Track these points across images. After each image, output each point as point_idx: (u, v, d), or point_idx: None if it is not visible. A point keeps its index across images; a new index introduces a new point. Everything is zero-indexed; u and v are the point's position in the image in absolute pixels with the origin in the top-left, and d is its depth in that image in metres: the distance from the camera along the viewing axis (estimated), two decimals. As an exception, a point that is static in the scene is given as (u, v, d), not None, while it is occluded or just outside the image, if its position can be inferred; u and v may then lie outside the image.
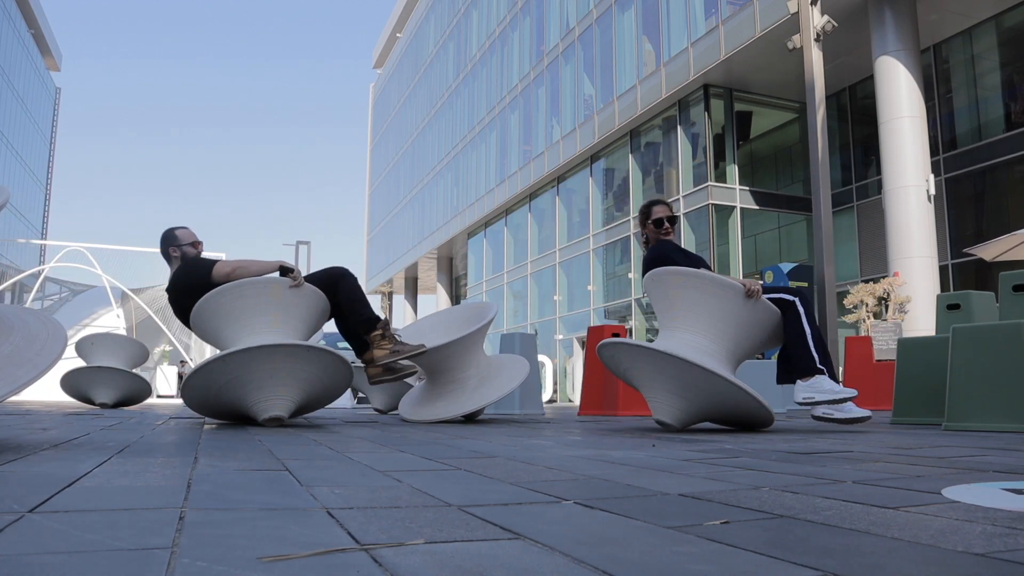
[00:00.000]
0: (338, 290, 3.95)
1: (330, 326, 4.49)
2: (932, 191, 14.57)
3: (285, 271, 3.83)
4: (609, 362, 3.66)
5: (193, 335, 5.06)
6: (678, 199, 20.74)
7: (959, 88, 17.27)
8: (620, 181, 24.12)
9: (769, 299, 3.46)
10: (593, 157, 25.22)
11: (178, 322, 4.12)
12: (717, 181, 19.83)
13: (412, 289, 46.53)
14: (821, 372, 3.40)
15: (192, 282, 3.80)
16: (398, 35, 48.24)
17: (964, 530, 0.93)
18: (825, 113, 12.07)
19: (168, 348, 23.95)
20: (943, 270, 16.07)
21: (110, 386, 7.97)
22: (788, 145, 21.58)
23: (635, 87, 22.04)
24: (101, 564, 0.73)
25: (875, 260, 17.79)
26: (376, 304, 51.28)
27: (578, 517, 1.03)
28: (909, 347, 4.48)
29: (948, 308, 4.44)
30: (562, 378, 22.05)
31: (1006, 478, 1.51)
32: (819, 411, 3.44)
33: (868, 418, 3.42)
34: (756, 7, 16.94)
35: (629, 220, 23.03)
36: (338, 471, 1.62)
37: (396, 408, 6.64)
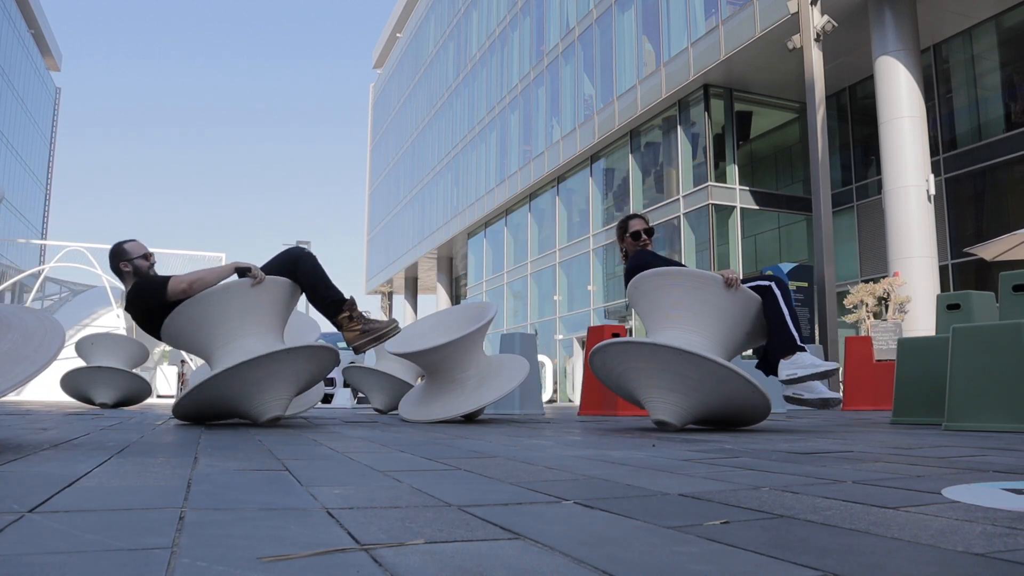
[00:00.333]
0: (297, 274, 3.85)
1: (327, 324, 4.49)
2: (932, 191, 14.57)
3: (242, 271, 3.71)
4: (601, 370, 3.64)
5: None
6: (678, 199, 20.74)
7: (959, 88, 17.27)
8: (620, 181, 24.11)
9: (748, 287, 3.54)
10: (593, 157, 25.22)
11: None
12: (717, 181, 19.83)
13: (412, 289, 46.53)
14: (802, 350, 3.47)
15: (147, 304, 3.66)
16: (398, 35, 48.24)
17: (964, 530, 0.93)
18: (825, 113, 12.08)
19: (168, 348, 23.96)
20: (943, 270, 16.07)
21: (110, 386, 7.97)
22: (788, 145, 21.58)
23: (635, 87, 22.04)
24: (101, 564, 0.73)
25: (875, 260, 17.79)
26: (376, 304, 51.28)
27: (578, 517, 1.03)
28: (909, 347, 4.48)
29: (948, 308, 4.44)
30: (562, 378, 22.05)
31: (1006, 478, 1.51)
32: (790, 391, 3.46)
33: (838, 400, 3.44)
34: (756, 7, 16.94)
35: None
36: (338, 471, 1.62)
37: (396, 408, 6.64)
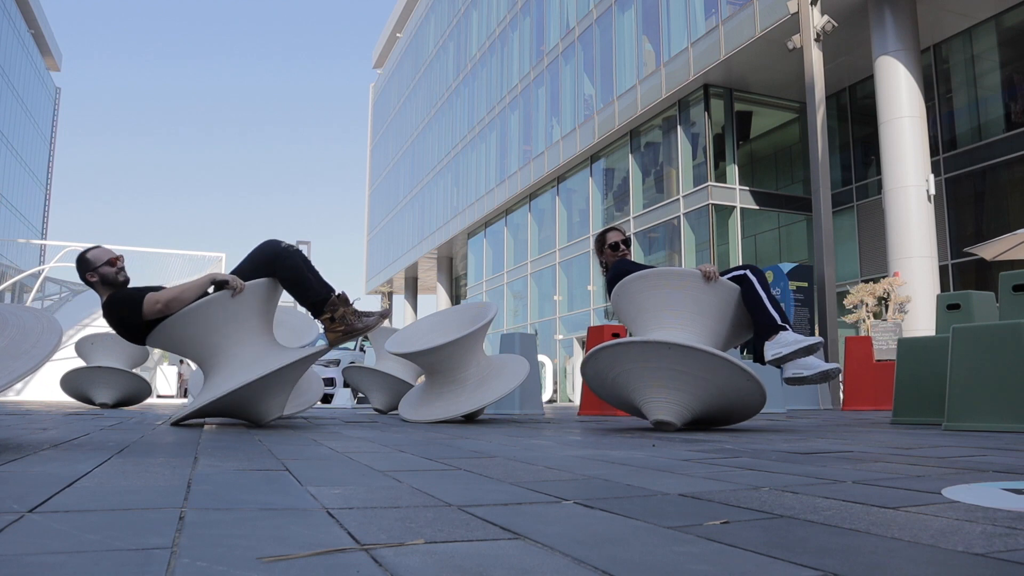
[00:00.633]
0: (276, 275, 3.64)
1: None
2: (932, 191, 14.57)
3: (220, 284, 3.51)
4: (595, 379, 3.64)
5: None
6: (678, 199, 20.75)
7: (959, 88, 17.27)
8: (620, 181, 24.12)
9: (726, 279, 3.59)
10: (593, 157, 25.22)
11: None
12: (717, 181, 19.83)
13: (412, 289, 46.52)
14: (783, 328, 3.49)
15: (122, 319, 3.52)
16: (398, 35, 48.24)
17: (964, 530, 0.93)
18: (825, 113, 12.08)
19: (168, 348, 23.90)
20: (943, 270, 16.07)
21: (110, 386, 7.97)
22: (788, 145, 21.58)
23: (635, 87, 22.04)
24: (101, 564, 0.73)
25: (875, 260, 17.80)
26: (376, 304, 51.25)
27: (578, 517, 1.03)
28: (909, 347, 4.48)
29: (948, 308, 4.44)
30: (562, 378, 22.04)
31: (1006, 478, 1.51)
32: (789, 373, 3.48)
33: (837, 369, 3.45)
34: (756, 7, 16.94)
35: (630, 220, 23.03)
36: (338, 471, 1.62)
37: (396, 408, 6.64)
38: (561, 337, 26.67)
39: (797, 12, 11.91)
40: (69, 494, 1.20)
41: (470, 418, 4.67)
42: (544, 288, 28.76)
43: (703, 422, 3.59)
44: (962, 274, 16.25)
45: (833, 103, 19.63)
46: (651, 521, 1.00)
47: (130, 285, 3.66)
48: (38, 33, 47.60)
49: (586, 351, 5.23)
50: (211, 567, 0.72)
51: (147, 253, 20.31)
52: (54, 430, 3.08)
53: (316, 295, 3.62)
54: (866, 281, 16.08)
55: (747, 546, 0.83)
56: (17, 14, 43.24)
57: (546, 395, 14.65)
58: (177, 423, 3.71)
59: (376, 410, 7.17)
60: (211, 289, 3.58)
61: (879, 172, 15.97)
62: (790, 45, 12.08)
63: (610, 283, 3.85)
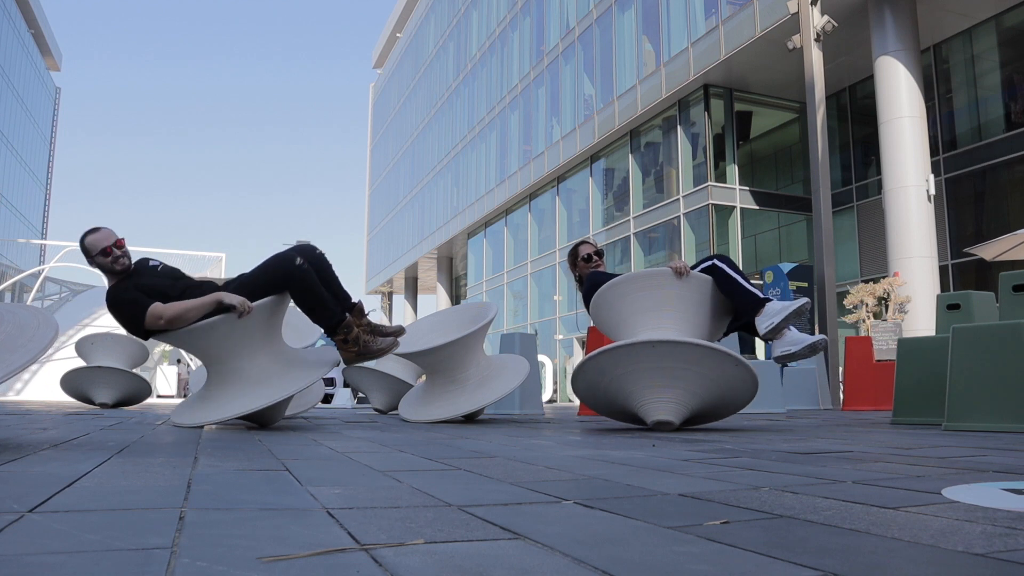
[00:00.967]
0: (289, 294, 3.47)
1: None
2: (932, 191, 14.57)
3: (227, 308, 3.32)
4: (587, 392, 3.63)
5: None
6: (678, 199, 20.75)
7: (959, 88, 17.27)
8: (620, 181, 24.12)
9: (697, 272, 3.64)
10: (593, 157, 25.22)
11: None
12: (717, 181, 19.83)
13: (412, 289, 46.52)
14: (767, 300, 3.54)
15: (125, 321, 3.40)
16: (398, 35, 48.23)
17: (964, 530, 0.93)
18: (825, 113, 12.08)
19: (168, 348, 23.95)
20: (943, 270, 16.07)
21: (110, 386, 7.98)
22: (788, 145, 21.58)
23: (635, 87, 22.04)
24: (101, 564, 0.73)
25: (875, 260, 17.79)
26: (376, 304, 51.25)
27: (578, 517, 1.03)
28: (909, 347, 4.48)
29: (948, 308, 4.44)
30: (562, 378, 22.04)
31: (1006, 478, 1.51)
32: (778, 351, 3.51)
33: (824, 340, 3.48)
34: (756, 7, 16.94)
35: (629, 220, 23.03)
36: (338, 471, 1.62)
37: (396, 408, 6.64)
38: (561, 337, 26.67)
39: (797, 12, 11.91)
40: (69, 494, 1.20)
41: (470, 418, 4.67)
42: (544, 288, 28.76)
43: (701, 418, 3.59)
44: (962, 274, 16.25)
45: (833, 103, 19.62)
46: (651, 521, 1.00)
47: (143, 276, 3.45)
48: (38, 33, 47.60)
49: (586, 351, 5.23)
50: (211, 567, 0.72)
51: (148, 253, 20.32)
52: (54, 430, 3.08)
53: (330, 318, 3.44)
54: (866, 281, 16.08)
55: (747, 546, 0.83)
56: (17, 14, 43.23)
57: (546, 395, 14.65)
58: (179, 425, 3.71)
59: (376, 410, 7.18)
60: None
61: (879, 172, 15.97)
62: (790, 45, 12.08)
63: (586, 296, 3.89)
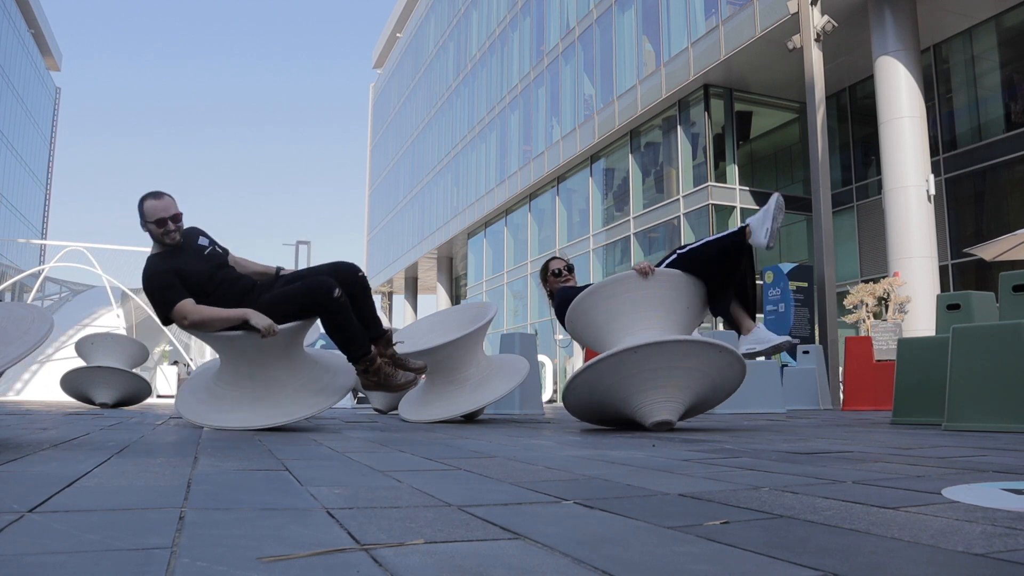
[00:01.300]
0: (322, 322, 3.41)
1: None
2: (932, 191, 14.57)
3: (252, 327, 3.25)
4: (580, 410, 3.62)
5: (193, 336, 4.89)
6: (678, 199, 20.75)
7: (959, 88, 17.27)
8: (620, 181, 24.11)
9: (663, 268, 3.66)
10: (593, 157, 25.21)
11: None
12: (717, 181, 19.83)
13: (412, 289, 46.52)
14: (745, 226, 3.56)
15: (154, 303, 3.35)
16: (398, 35, 48.23)
17: (964, 530, 0.93)
18: (825, 113, 12.07)
19: (168, 348, 23.96)
20: (943, 270, 16.06)
21: (110, 386, 7.98)
22: (788, 145, 21.58)
23: (635, 87, 22.04)
24: (101, 564, 0.73)
25: (875, 260, 17.79)
26: (376, 303, 51.16)
27: (578, 517, 1.03)
28: (909, 347, 4.48)
29: (948, 308, 4.44)
30: (562, 378, 22.05)
31: (1006, 478, 1.51)
32: (744, 348, 3.55)
33: (788, 342, 3.53)
34: (756, 7, 16.94)
35: (629, 220, 23.03)
36: (338, 471, 1.62)
37: (396, 408, 6.64)
38: (561, 337, 26.66)
39: (797, 12, 11.91)
40: (69, 494, 1.20)
41: (470, 418, 4.68)
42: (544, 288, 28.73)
43: (697, 408, 3.60)
44: (962, 274, 16.24)
45: (833, 103, 19.62)
46: (651, 521, 1.00)
47: (138, 282, 3.45)
48: (38, 33, 47.60)
49: (585, 351, 5.24)
50: (211, 567, 0.72)
51: (147, 253, 20.28)
52: (54, 430, 3.08)
53: (357, 350, 3.38)
54: (866, 281, 16.08)
55: (747, 546, 0.83)
56: (17, 14, 43.23)
57: (546, 395, 14.65)
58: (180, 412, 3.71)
59: (376, 410, 7.18)
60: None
61: (879, 172, 15.97)
62: (790, 45, 12.07)
63: (558, 311, 3.92)
